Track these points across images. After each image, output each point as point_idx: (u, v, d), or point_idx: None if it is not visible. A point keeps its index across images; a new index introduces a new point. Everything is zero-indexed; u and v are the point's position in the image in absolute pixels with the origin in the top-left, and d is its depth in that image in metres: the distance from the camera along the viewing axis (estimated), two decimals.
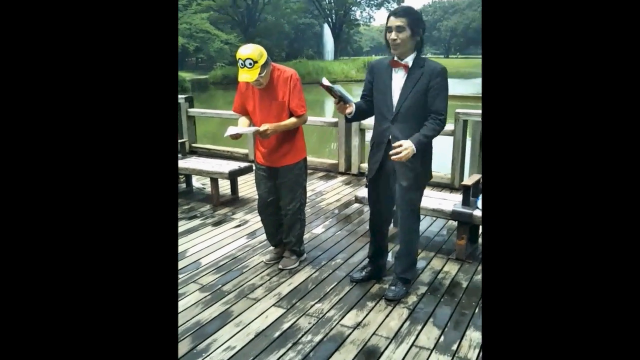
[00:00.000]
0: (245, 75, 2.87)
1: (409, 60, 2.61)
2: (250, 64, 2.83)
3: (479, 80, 27.13)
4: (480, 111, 5.02)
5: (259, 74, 2.87)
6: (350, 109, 2.72)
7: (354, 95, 2.90)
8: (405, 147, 2.50)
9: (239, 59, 2.85)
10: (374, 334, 2.58)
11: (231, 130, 2.98)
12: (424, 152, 2.69)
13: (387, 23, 2.58)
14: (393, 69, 2.67)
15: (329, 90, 2.60)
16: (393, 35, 2.54)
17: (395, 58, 2.63)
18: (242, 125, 3.17)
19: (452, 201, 3.61)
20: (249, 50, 2.84)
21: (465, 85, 24.67)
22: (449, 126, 5.28)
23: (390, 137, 2.70)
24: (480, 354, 2.39)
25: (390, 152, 2.54)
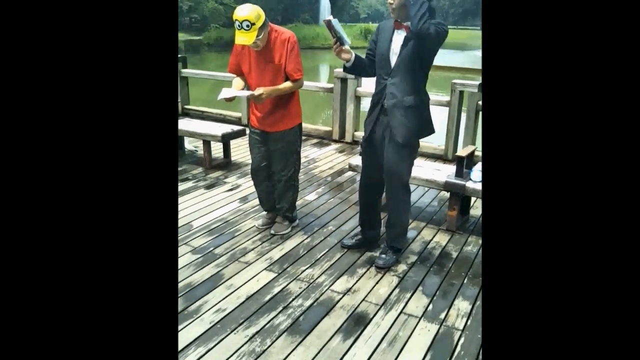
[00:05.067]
0: (243, 38, 2.79)
1: None
2: (247, 25, 2.75)
3: (475, 52, 26.97)
4: (476, 82, 4.98)
5: (257, 36, 2.80)
6: (348, 55, 2.71)
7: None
8: None
9: (236, 20, 2.76)
10: (363, 300, 2.61)
11: (225, 93, 2.93)
12: (420, 108, 2.72)
13: None
14: (395, 30, 2.69)
15: (329, 27, 2.56)
16: None
17: (399, 20, 2.63)
18: (237, 86, 3.11)
19: (445, 172, 3.61)
20: (247, 12, 2.75)
21: (462, 56, 24.46)
22: (445, 97, 5.26)
23: (386, 93, 2.72)
24: (468, 322, 2.44)
25: None
